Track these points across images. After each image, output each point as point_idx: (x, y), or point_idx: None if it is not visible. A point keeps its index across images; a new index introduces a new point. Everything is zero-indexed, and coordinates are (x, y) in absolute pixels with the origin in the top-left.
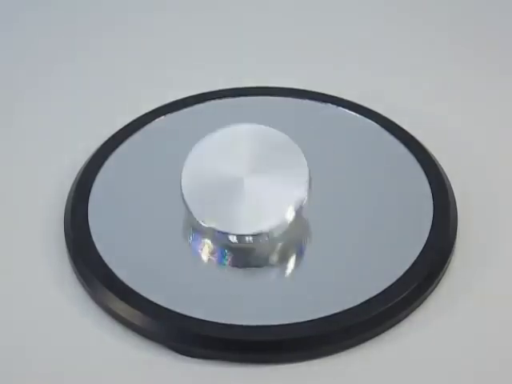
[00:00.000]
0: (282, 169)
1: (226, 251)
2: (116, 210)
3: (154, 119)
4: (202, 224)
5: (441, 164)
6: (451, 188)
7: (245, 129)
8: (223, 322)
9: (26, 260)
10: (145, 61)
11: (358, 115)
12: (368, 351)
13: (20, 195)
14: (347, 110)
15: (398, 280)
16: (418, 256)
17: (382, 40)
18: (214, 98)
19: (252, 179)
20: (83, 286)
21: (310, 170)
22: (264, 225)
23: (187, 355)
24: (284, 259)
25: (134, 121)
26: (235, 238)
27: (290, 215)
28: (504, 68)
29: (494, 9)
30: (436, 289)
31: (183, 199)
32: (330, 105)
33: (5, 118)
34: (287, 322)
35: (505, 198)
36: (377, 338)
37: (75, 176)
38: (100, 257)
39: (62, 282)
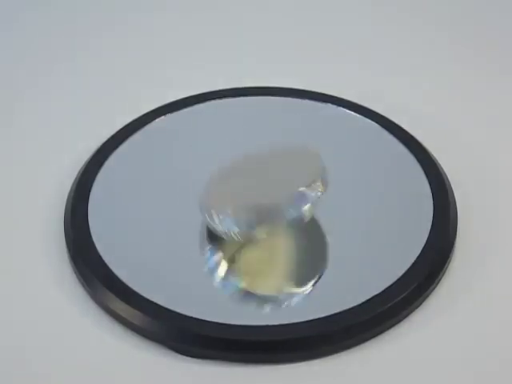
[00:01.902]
0: (298, 169)
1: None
2: (116, 210)
3: (154, 119)
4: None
5: (441, 164)
6: (451, 188)
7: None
8: (223, 322)
9: (26, 260)
10: (145, 61)
11: (358, 115)
12: (368, 351)
13: (20, 195)
14: (347, 110)
15: (398, 280)
16: (418, 256)
17: (382, 40)
18: (214, 98)
19: (269, 175)
20: (83, 286)
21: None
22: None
23: (187, 355)
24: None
25: (134, 121)
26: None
27: (308, 211)
28: (504, 68)
29: (494, 9)
30: (436, 289)
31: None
32: (330, 105)
33: (5, 118)
34: (287, 322)
35: (505, 197)
36: (377, 338)
37: (75, 176)
38: (100, 257)
39: (62, 282)
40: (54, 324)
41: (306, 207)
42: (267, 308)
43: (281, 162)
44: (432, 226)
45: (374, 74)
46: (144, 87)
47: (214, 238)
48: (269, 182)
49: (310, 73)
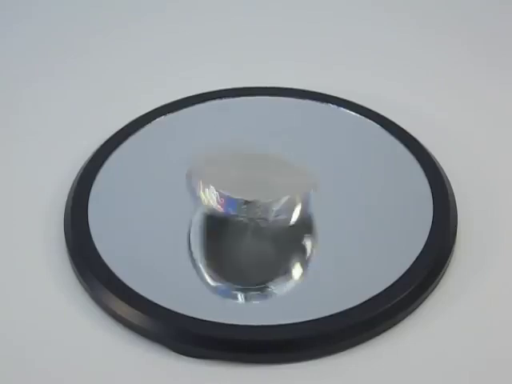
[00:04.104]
0: (289, 171)
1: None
2: (116, 210)
3: (153, 119)
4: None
5: (441, 164)
6: (451, 188)
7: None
8: (223, 321)
9: (26, 260)
10: (145, 61)
11: (358, 115)
12: (368, 351)
13: (20, 195)
14: (347, 110)
15: (398, 280)
16: (418, 256)
17: (382, 40)
18: (214, 98)
19: (260, 172)
20: (83, 285)
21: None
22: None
23: (187, 355)
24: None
25: (134, 121)
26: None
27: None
28: (504, 68)
29: (494, 9)
30: (436, 289)
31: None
32: (330, 105)
33: (5, 118)
34: (287, 322)
35: (505, 198)
36: (377, 338)
37: (75, 176)
38: (100, 257)
39: (62, 282)
40: (54, 324)
41: (294, 213)
42: (257, 301)
43: (272, 166)
44: (432, 226)
45: (374, 74)
46: (144, 87)
47: (212, 237)
48: (259, 182)
49: (310, 73)
